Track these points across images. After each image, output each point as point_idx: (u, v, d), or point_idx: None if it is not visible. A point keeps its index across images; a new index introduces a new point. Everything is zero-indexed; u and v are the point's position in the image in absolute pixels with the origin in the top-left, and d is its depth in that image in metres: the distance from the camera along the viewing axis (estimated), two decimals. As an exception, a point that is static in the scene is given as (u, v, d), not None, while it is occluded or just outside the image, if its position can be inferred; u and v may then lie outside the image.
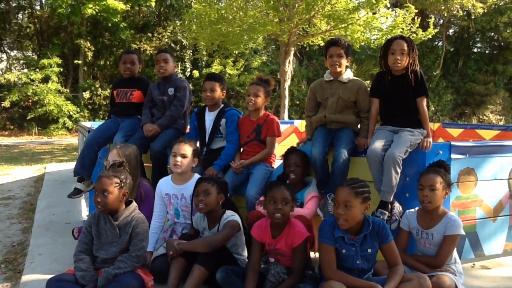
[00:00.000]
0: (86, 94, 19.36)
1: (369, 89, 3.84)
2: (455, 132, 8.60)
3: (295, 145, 3.96)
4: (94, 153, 4.33)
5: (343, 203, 2.73)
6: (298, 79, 21.41)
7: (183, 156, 3.47)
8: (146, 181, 3.75)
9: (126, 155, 3.54)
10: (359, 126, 3.82)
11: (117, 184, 2.91)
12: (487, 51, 25.53)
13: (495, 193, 3.86)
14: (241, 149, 4.16)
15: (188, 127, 4.51)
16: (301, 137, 9.23)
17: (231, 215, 3.16)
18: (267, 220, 3.04)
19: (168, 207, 3.58)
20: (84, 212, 5.30)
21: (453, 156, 3.59)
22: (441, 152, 3.56)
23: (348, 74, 3.80)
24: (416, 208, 3.30)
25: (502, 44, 24.26)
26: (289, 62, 13.74)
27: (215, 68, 19.00)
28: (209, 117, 4.23)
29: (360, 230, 2.81)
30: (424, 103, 3.58)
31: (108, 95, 19.22)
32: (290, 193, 2.93)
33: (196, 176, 3.57)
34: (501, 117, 24.75)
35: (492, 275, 3.54)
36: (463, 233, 3.15)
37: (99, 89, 19.41)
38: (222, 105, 4.25)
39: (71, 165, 9.50)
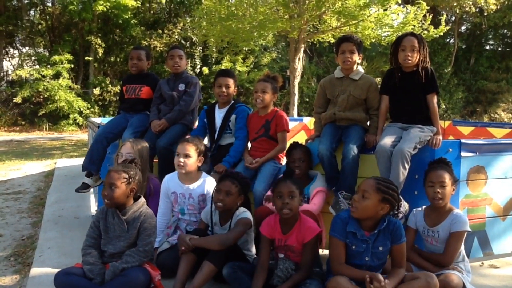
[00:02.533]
0: (97, 91, 19.46)
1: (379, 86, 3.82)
2: (465, 130, 8.51)
3: (298, 141, 3.95)
4: (103, 148, 4.35)
5: (362, 192, 2.74)
6: (308, 76, 21.34)
7: (187, 156, 3.45)
8: (155, 176, 3.76)
9: (139, 149, 3.56)
10: (368, 123, 3.80)
11: (125, 180, 2.92)
12: (499, 48, 25.23)
13: (505, 191, 3.82)
14: (249, 145, 4.16)
15: (196, 123, 4.51)
16: (310, 134, 9.23)
17: (243, 212, 3.15)
18: (276, 216, 3.03)
19: (173, 204, 3.58)
20: (93, 207, 5.34)
21: (463, 154, 3.56)
22: (451, 150, 3.53)
23: (359, 71, 3.78)
24: (424, 207, 3.29)
25: (515, 41, 23.99)
26: (299, 59, 13.69)
27: (225, 65, 18.97)
28: (219, 114, 4.23)
29: (374, 226, 2.80)
30: (435, 100, 3.56)
31: (118, 91, 19.29)
32: (296, 187, 2.92)
33: (205, 175, 3.57)
34: (512, 115, 24.51)
35: (501, 274, 3.52)
36: (469, 229, 3.13)
37: (110, 85, 19.49)
38: (233, 102, 4.25)
39: (81, 160, 9.52)
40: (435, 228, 3.13)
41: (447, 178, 3.12)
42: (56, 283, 2.82)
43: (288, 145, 3.88)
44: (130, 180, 2.94)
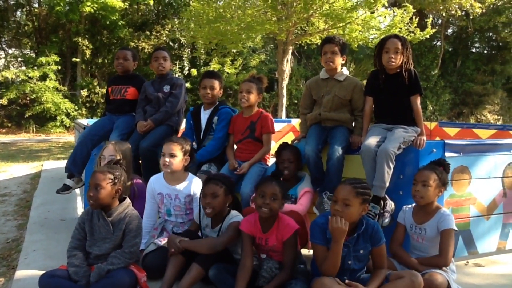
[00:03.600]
0: (84, 92, 19.33)
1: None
2: (452, 131, 8.62)
3: (286, 141, 3.96)
4: (87, 151, 4.33)
5: (342, 201, 2.72)
6: (296, 78, 21.40)
7: (172, 155, 3.45)
8: (139, 178, 3.75)
9: (122, 150, 3.55)
10: (353, 124, 3.83)
11: (111, 180, 2.91)
12: (485, 51, 25.54)
13: (489, 191, 3.87)
14: (235, 147, 4.17)
15: (184, 126, 4.51)
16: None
17: (235, 215, 3.14)
18: (256, 214, 3.03)
19: (159, 205, 3.57)
20: (80, 209, 5.30)
21: (447, 154, 3.60)
22: (435, 150, 3.57)
23: (344, 73, 3.81)
24: (413, 204, 3.32)
25: (500, 44, 24.26)
26: (287, 61, 13.75)
27: (213, 66, 18.97)
28: (204, 115, 4.24)
29: (353, 230, 2.81)
30: (418, 101, 3.60)
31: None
32: (280, 190, 2.92)
33: (191, 176, 3.56)
34: (499, 117, 24.78)
35: (486, 273, 3.55)
36: (456, 228, 3.16)
37: (97, 87, 19.37)
38: (217, 103, 4.26)
39: (68, 162, 9.53)
40: (422, 226, 3.17)
41: (432, 179, 3.16)
42: (40, 285, 2.80)
43: (277, 146, 3.89)
44: (116, 181, 2.93)
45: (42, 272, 3.21)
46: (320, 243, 2.81)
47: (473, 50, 25.51)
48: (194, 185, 3.51)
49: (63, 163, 9.26)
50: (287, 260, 2.89)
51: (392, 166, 3.34)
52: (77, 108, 18.59)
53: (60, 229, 4.50)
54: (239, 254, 3.23)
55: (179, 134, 4.49)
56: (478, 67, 24.03)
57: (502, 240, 3.97)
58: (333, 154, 3.50)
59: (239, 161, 3.95)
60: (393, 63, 3.52)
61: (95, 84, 19.47)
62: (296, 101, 21.08)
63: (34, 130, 18.55)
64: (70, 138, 16.57)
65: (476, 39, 25.17)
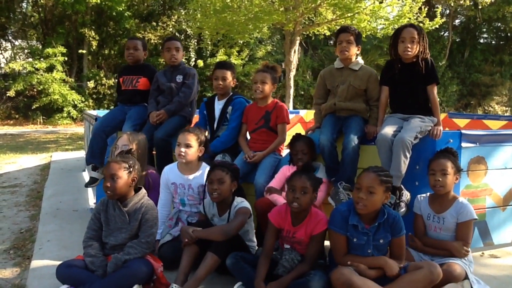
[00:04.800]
0: (91, 84, 19.35)
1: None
2: (461, 122, 8.54)
3: (300, 132, 3.93)
4: (102, 141, 4.32)
5: (367, 189, 2.71)
6: (303, 69, 21.32)
7: (187, 146, 3.44)
8: (153, 169, 3.73)
9: (136, 141, 3.53)
10: (368, 114, 3.79)
11: (126, 169, 2.90)
12: (493, 42, 25.32)
13: (505, 182, 3.83)
14: (248, 137, 4.15)
15: (198, 116, 4.49)
16: (307, 127, 9.23)
17: (241, 202, 3.15)
18: (288, 206, 3.00)
19: (174, 195, 3.56)
20: (91, 200, 5.31)
21: (463, 144, 3.57)
22: (451, 140, 3.53)
23: (359, 62, 3.77)
24: (428, 194, 3.30)
25: (509, 34, 24.05)
26: (294, 51, 13.66)
27: (220, 57, 18.91)
28: (218, 106, 4.22)
29: (374, 219, 2.80)
30: (435, 91, 3.56)
31: (112, 84, 19.22)
32: (311, 183, 2.89)
33: (204, 166, 3.55)
34: (507, 108, 24.63)
35: (502, 264, 3.53)
36: (476, 217, 3.15)
37: (104, 78, 19.39)
38: (231, 94, 4.23)
39: (77, 154, 9.57)
40: (441, 215, 3.15)
41: (449, 166, 3.13)
42: (57, 276, 2.80)
43: (287, 139, 3.86)
44: (131, 169, 2.92)
45: (57, 262, 3.21)
46: (340, 231, 2.80)
47: (481, 40, 25.29)
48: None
49: (71, 155, 9.34)
50: (310, 253, 2.88)
51: (408, 155, 3.30)
52: (84, 100, 18.64)
53: (73, 219, 4.51)
54: (251, 241, 3.23)
55: (192, 125, 4.48)
56: (486, 58, 23.83)
57: (517, 231, 3.94)
58: (349, 143, 3.47)
59: (252, 151, 3.93)
60: (409, 53, 3.48)
61: (102, 75, 19.49)
62: (302, 92, 21.02)
63: (41, 121, 18.61)
64: (78, 129, 16.61)
65: (484, 30, 24.95)
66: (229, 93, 4.25)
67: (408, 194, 3.42)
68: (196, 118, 4.59)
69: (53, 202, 5.23)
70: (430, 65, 3.52)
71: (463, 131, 3.61)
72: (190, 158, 3.45)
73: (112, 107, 16.06)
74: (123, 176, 2.88)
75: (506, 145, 3.79)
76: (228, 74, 4.17)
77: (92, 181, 4.45)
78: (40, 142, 12.42)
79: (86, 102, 18.71)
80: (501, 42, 24.79)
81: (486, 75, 23.56)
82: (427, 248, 3.16)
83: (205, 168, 3.55)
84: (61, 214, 4.72)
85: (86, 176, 6.79)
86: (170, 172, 3.57)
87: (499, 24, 23.97)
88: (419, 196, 3.33)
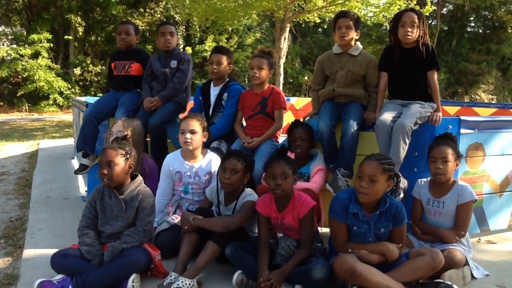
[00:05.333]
0: (77, 71, 19.04)
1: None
2: (451, 109, 8.54)
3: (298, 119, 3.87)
4: (94, 127, 4.22)
5: (369, 177, 2.66)
6: (292, 57, 21.23)
7: (192, 132, 3.35)
8: (149, 156, 3.64)
9: (131, 127, 3.45)
10: (367, 100, 3.74)
11: (123, 155, 2.82)
12: (480, 31, 25.46)
13: (502, 168, 3.83)
14: (244, 123, 4.08)
15: (192, 102, 4.40)
16: (297, 115, 9.17)
17: (250, 194, 3.06)
18: (271, 194, 2.96)
19: (176, 183, 3.48)
20: (82, 188, 5.21)
21: (462, 131, 3.55)
22: (450, 126, 3.50)
23: (358, 47, 3.71)
24: (428, 178, 3.28)
25: (496, 23, 24.19)
26: (284, 39, 13.58)
27: (208, 45, 18.75)
28: (214, 92, 4.14)
29: (376, 207, 2.76)
30: (435, 76, 3.52)
31: (99, 71, 18.95)
32: (289, 167, 2.84)
33: (209, 152, 3.48)
34: (493, 97, 24.84)
35: (499, 250, 3.54)
36: (476, 197, 3.14)
37: (91, 65, 19.08)
38: (227, 80, 4.15)
39: (65, 141, 9.41)
40: (441, 199, 3.14)
41: (449, 153, 3.11)
42: (52, 265, 2.72)
43: (286, 123, 3.81)
44: (128, 156, 2.84)
45: (50, 251, 3.14)
46: (340, 219, 2.75)
47: (469, 29, 25.40)
48: (214, 162, 3.46)
49: (59, 142, 9.18)
50: (304, 237, 2.83)
51: (408, 141, 3.27)
52: (70, 87, 18.34)
53: (64, 208, 4.41)
54: (254, 232, 3.17)
55: (187, 111, 4.40)
56: (473, 47, 23.97)
57: (513, 217, 3.96)
58: (348, 130, 3.42)
59: (249, 138, 3.86)
60: (410, 37, 3.43)
61: (89, 62, 19.18)
62: (291, 80, 20.96)
63: (27, 109, 18.30)
64: (64, 117, 16.36)
65: (472, 19, 25.05)
66: (225, 79, 4.16)
67: (406, 182, 3.39)
68: (190, 104, 4.51)
69: (43, 190, 5.12)
70: (430, 50, 3.47)
71: (462, 117, 3.58)
72: (196, 144, 3.38)
73: (100, 95, 15.68)
74: (120, 163, 2.80)
75: (503, 131, 3.78)
76: (224, 59, 4.09)
77: (82, 168, 4.35)
78: (26, 130, 12.20)
79: (73, 89, 18.42)
80: (488, 31, 24.94)
81: (473, 64, 23.72)
82: (424, 235, 3.15)
83: (211, 155, 3.48)
84: (52, 202, 4.62)
85: (75, 163, 6.67)
86: (174, 161, 3.47)
87: (487, 12, 24.09)
88: (419, 180, 3.31)
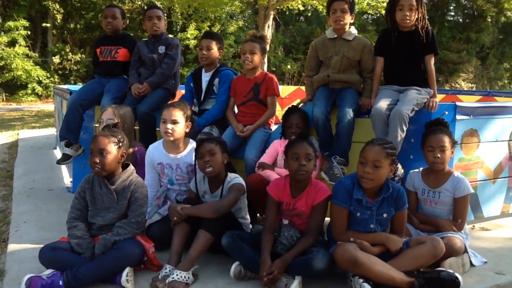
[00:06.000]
0: (56, 59, 18.56)
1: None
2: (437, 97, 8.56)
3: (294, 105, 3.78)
4: (79, 115, 4.06)
5: (372, 162, 2.60)
6: (275, 45, 21.05)
7: (174, 122, 3.19)
8: (140, 145, 3.51)
9: (121, 114, 3.31)
10: (362, 86, 3.67)
11: (115, 143, 2.69)
12: (461, 19, 25.65)
13: (495, 155, 3.82)
14: (236, 110, 3.98)
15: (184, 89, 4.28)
16: (282, 103, 9.06)
17: (234, 177, 2.97)
18: (286, 178, 2.87)
19: (161, 175, 3.36)
20: (67, 178, 5.05)
21: (458, 117, 3.51)
22: (446, 112, 3.46)
23: (352, 32, 3.63)
24: (420, 168, 3.22)
25: (475, 12, 24.38)
26: (268, 26, 13.44)
27: (191, 33, 18.48)
28: (205, 78, 4.02)
29: (378, 193, 2.70)
30: (432, 61, 3.45)
31: (79, 60, 18.53)
32: (313, 150, 2.77)
33: (192, 143, 3.35)
34: (472, 85, 25.11)
35: (494, 236, 3.53)
36: (472, 190, 3.11)
37: (70, 53, 18.61)
38: (218, 65, 4.04)
39: (46, 131, 9.16)
40: (437, 190, 3.08)
41: (447, 142, 3.06)
42: (41, 259, 2.58)
43: (280, 109, 3.71)
44: (120, 144, 2.72)
45: (37, 245, 3.04)
46: (343, 205, 2.69)
47: (449, 18, 25.56)
48: None
49: (40, 132, 8.93)
50: (313, 225, 2.75)
51: (405, 129, 3.21)
52: (49, 76, 17.88)
53: (49, 199, 4.26)
54: (244, 218, 3.08)
55: (177, 98, 4.27)
56: (454, 35, 24.12)
57: (506, 203, 3.95)
58: (344, 116, 3.35)
59: (242, 125, 3.77)
60: (408, 21, 3.35)
61: (68, 50, 18.70)
62: (274, 69, 20.80)
63: (4, 98, 17.79)
64: (43, 106, 15.98)
65: (452, 7, 25.20)
66: (216, 64, 4.05)
67: (402, 169, 3.34)
68: (180, 93, 4.38)
69: (26, 181, 4.94)
70: (430, 34, 3.40)
71: (457, 103, 3.54)
72: (178, 135, 3.23)
73: (80, 84, 15.32)
74: (112, 151, 2.67)
75: (497, 118, 3.76)
76: (213, 44, 3.97)
77: (65, 158, 4.20)
78: (4, 120, 11.85)
79: (52, 78, 17.96)
80: (467, 20, 25.14)
81: (453, 53, 23.88)
82: (421, 225, 3.11)
83: (193, 145, 3.35)
84: (36, 193, 4.45)
85: (57, 154, 6.48)
86: (155, 152, 3.34)
87: (466, 2, 24.25)
88: (411, 172, 3.25)
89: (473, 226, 3.72)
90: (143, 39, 4.42)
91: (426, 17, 3.41)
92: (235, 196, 2.86)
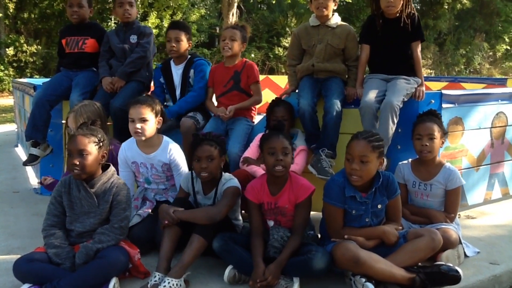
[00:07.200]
0: (10, 51, 17.65)
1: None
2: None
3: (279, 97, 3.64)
4: (46, 112, 3.79)
5: (359, 158, 2.48)
6: (238, 34, 20.80)
7: (143, 120, 2.94)
8: (117, 142, 3.28)
9: (90, 114, 3.05)
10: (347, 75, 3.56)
11: (96, 143, 2.48)
12: (418, 7, 26.09)
13: (479, 142, 3.81)
14: (216, 103, 3.80)
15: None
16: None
17: (229, 179, 2.80)
18: (262, 177, 2.74)
19: (136, 174, 3.15)
20: (33, 179, 4.73)
21: (444, 105, 3.46)
22: (433, 101, 3.40)
23: (336, 19, 3.50)
24: (409, 160, 3.15)
25: (432, -1, 24.87)
26: (233, 14, 13.25)
27: (152, 21, 17.96)
28: (177, 71, 3.81)
29: (370, 185, 2.59)
30: (419, 48, 3.37)
31: (35, 51, 17.71)
32: (289, 143, 2.63)
33: (166, 141, 3.11)
34: (431, 71, 25.68)
35: (480, 225, 3.52)
36: (464, 182, 3.07)
37: (25, 45, 17.74)
38: (189, 56, 3.83)
39: (4, 128, 8.67)
40: (428, 182, 3.01)
41: (436, 130, 2.98)
42: (16, 273, 2.34)
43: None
44: (101, 144, 2.50)
45: (7, 255, 2.82)
46: (337, 204, 2.57)
47: (408, 4, 25.96)
48: (171, 151, 3.08)
49: (-1, 129, 8.43)
50: (298, 223, 2.62)
51: (396, 120, 3.12)
52: (3, 68, 17.01)
53: (15, 202, 3.98)
54: (237, 219, 2.93)
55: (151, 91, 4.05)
56: (412, 22, 24.51)
57: (488, 190, 3.97)
58: (331, 107, 3.23)
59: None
60: (393, 8, 3.25)
61: (22, 41, 17.81)
62: (238, 58, 20.57)
63: (-46, 93, 16.85)
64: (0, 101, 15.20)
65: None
66: (186, 56, 3.84)
67: (387, 160, 3.25)
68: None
69: (-13, 183, 4.61)
70: (416, 20, 3.32)
71: (443, 91, 3.49)
72: (149, 134, 2.99)
73: (36, 76, 14.60)
74: (93, 151, 2.45)
75: (480, 105, 3.75)
76: (182, 35, 3.76)
77: (32, 159, 3.92)
78: (-44, 116, 11.18)
79: (6, 71, 17.09)
80: (424, 8, 25.60)
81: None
82: (412, 216, 3.04)
83: (167, 143, 3.09)
84: (0, 196, 4.14)
85: (20, 152, 6.12)
86: (128, 150, 3.12)
87: (423, -11, 24.70)
88: (400, 164, 3.16)
89: (459, 214, 3.68)
90: (113, 28, 4.14)
91: (412, 3, 3.32)
92: (230, 201, 2.69)
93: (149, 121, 2.98)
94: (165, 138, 3.16)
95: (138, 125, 2.94)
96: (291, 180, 2.68)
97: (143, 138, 2.99)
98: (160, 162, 3.07)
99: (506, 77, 17.94)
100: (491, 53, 26.11)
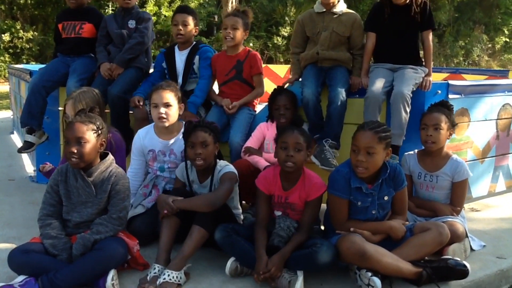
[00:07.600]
0: (6, 37, 17.41)
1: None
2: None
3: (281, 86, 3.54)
4: (42, 99, 3.70)
5: (365, 149, 2.40)
6: (237, 22, 20.62)
7: (167, 105, 2.88)
8: (115, 130, 3.18)
9: (89, 101, 2.95)
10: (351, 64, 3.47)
11: (94, 131, 2.39)
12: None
13: (484, 134, 3.75)
14: (217, 91, 3.72)
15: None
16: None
17: (225, 166, 2.73)
18: (276, 169, 2.65)
19: (150, 162, 3.06)
20: (29, 167, 4.64)
21: (450, 96, 3.38)
22: (439, 92, 3.33)
23: (341, 6, 3.41)
24: (416, 150, 3.07)
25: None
26: (232, 3, 13.05)
27: (149, 9, 17.72)
28: (181, 57, 3.70)
29: (377, 176, 2.52)
30: (431, 37, 3.29)
31: (31, 37, 17.50)
32: (304, 139, 2.54)
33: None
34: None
35: (485, 217, 3.47)
36: (471, 174, 2.99)
37: (21, 31, 17.51)
38: (195, 42, 3.73)
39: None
40: (434, 174, 2.94)
41: (442, 121, 2.90)
42: (11, 264, 2.27)
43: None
44: (99, 131, 2.42)
45: (2, 243, 2.76)
46: (343, 195, 2.50)
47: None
48: None
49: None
50: (306, 220, 2.55)
51: (408, 110, 3.04)
52: (-1, 55, 16.82)
53: (11, 190, 3.89)
54: (236, 208, 2.86)
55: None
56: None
57: (493, 183, 3.91)
58: (336, 97, 3.14)
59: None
60: (402, -6, 3.16)
61: (18, 27, 17.58)
62: (236, 47, 20.42)
63: (-51, 79, 16.66)
64: (-6, 88, 15.04)
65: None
66: (191, 41, 3.74)
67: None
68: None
69: (-18, 171, 4.53)
70: (428, 9, 3.22)
71: (450, 82, 3.41)
72: (173, 119, 2.92)
73: (33, 63, 14.42)
74: (91, 139, 2.37)
75: (487, 96, 3.68)
76: (190, 19, 3.66)
77: (27, 146, 3.84)
78: (-49, 103, 11.05)
79: (2, 58, 16.89)
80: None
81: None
82: (417, 209, 2.97)
83: None
84: (-5, 185, 4.07)
85: (15, 139, 6.03)
86: (146, 138, 3.02)
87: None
88: (406, 154, 3.09)
89: (463, 207, 3.64)
90: (111, 13, 4.02)
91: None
92: (229, 187, 2.62)
93: (173, 106, 2.92)
94: (184, 123, 3.07)
95: (163, 110, 2.87)
96: (304, 177, 2.61)
97: (167, 124, 2.91)
98: (180, 148, 2.97)
99: (505, 69, 17.88)
100: (490, 45, 26.01)
